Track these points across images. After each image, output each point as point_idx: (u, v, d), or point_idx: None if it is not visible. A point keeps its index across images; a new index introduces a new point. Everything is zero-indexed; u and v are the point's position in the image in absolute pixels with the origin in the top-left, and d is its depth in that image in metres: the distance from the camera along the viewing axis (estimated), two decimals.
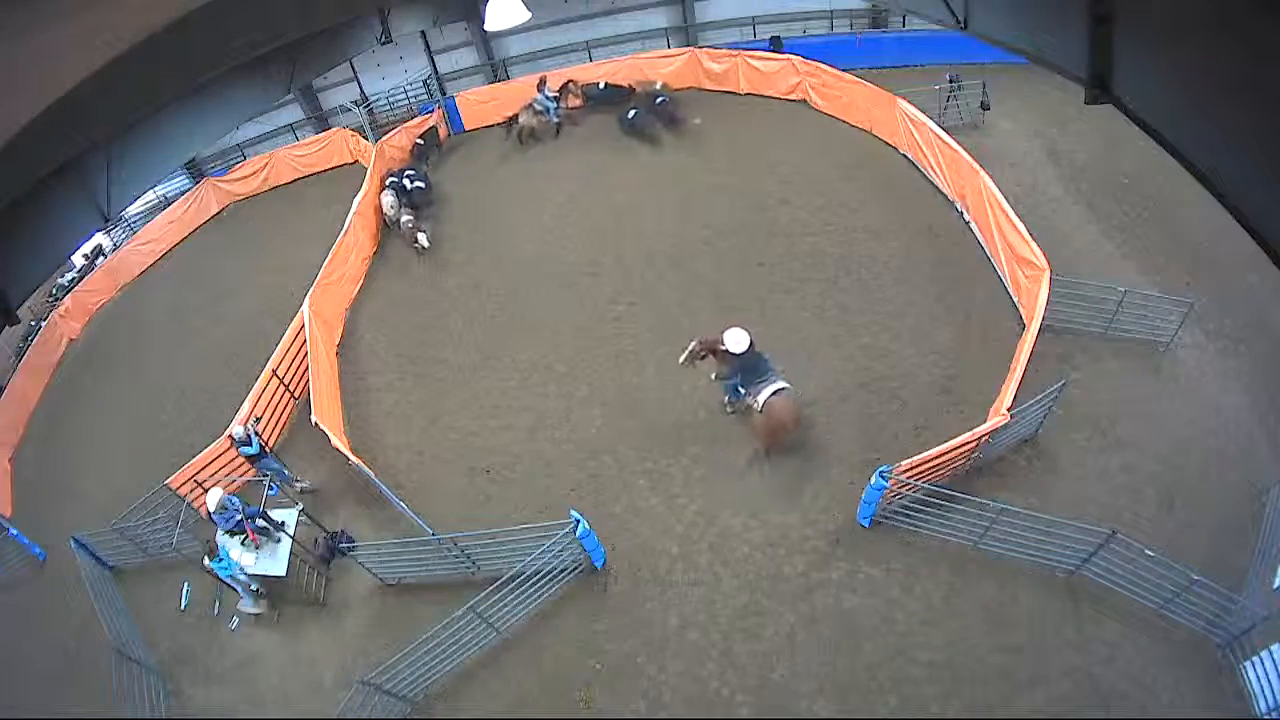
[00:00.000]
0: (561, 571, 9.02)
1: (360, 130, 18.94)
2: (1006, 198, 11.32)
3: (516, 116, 17.22)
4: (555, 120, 17.31)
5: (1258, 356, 10.05)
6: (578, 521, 8.57)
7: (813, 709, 7.89)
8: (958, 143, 12.74)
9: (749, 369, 9.54)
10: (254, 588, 9.64)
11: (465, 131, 18.77)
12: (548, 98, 17.15)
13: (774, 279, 12.54)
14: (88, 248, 17.87)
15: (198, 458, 10.63)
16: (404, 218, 14.93)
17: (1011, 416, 8.68)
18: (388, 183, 15.81)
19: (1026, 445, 9.62)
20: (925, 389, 10.52)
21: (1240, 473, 8.90)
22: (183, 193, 18.62)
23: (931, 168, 13.59)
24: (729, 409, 10.63)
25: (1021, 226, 10.76)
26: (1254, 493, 8.63)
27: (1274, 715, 6.79)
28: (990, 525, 8.32)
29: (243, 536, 9.49)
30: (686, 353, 9.63)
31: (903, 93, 14.11)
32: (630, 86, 17.17)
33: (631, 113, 16.37)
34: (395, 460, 11.33)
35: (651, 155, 15.94)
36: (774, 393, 9.32)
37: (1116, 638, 7.87)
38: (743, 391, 9.77)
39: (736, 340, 9.33)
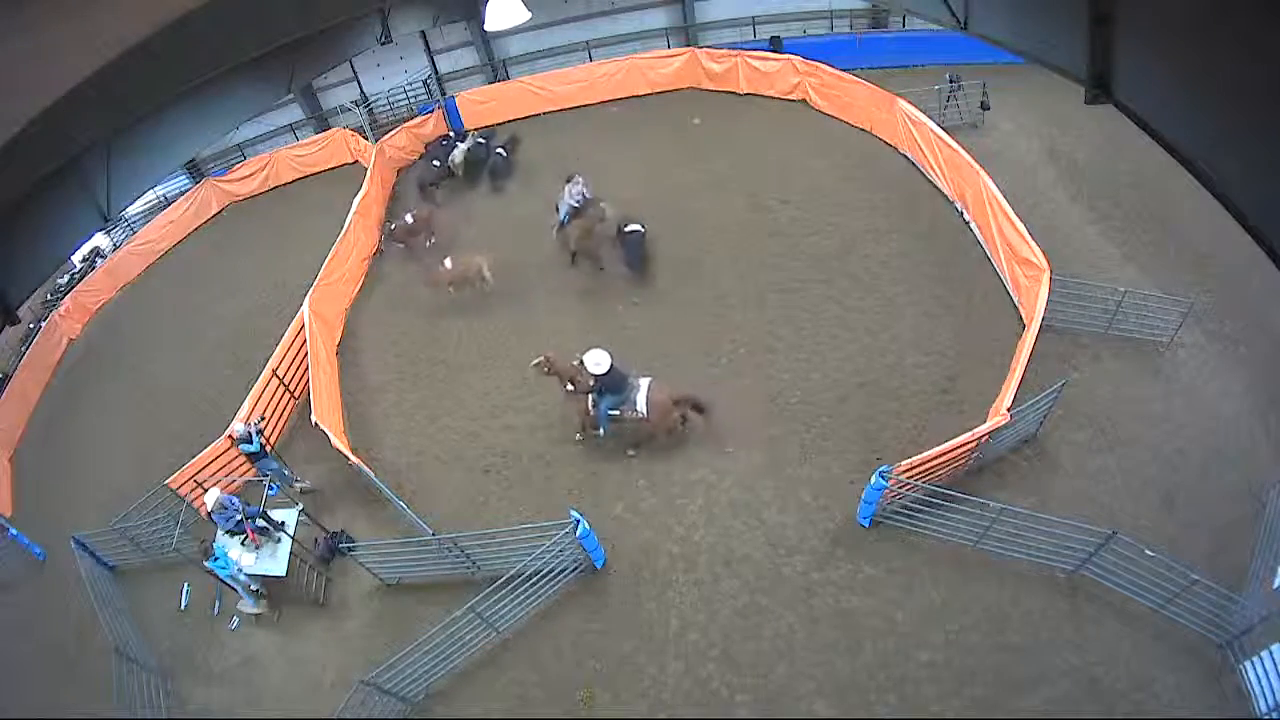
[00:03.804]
0: (561, 571, 9.02)
1: (360, 130, 18.95)
2: (1006, 198, 11.32)
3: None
4: (555, 230, 13.83)
5: (1258, 356, 10.05)
6: (578, 521, 8.57)
7: (813, 709, 7.89)
8: (958, 143, 12.75)
9: (614, 386, 9.72)
10: (254, 588, 9.64)
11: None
12: (570, 202, 13.59)
13: (774, 279, 12.54)
14: (87, 248, 17.87)
15: (198, 458, 10.62)
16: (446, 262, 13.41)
17: (1011, 416, 8.68)
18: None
19: (1026, 445, 9.61)
20: (925, 389, 10.51)
21: (1240, 473, 8.90)
22: (183, 193, 18.61)
23: (931, 168, 13.60)
24: (579, 437, 10.66)
25: (1021, 226, 10.77)
26: (1254, 493, 8.63)
27: (1274, 715, 6.78)
28: (990, 525, 8.32)
29: (243, 536, 9.49)
30: (537, 361, 10.00)
31: (903, 93, 14.11)
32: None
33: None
34: (395, 460, 11.33)
35: (652, 156, 15.94)
36: (647, 391, 9.65)
37: (1116, 638, 7.87)
38: (614, 414, 9.96)
39: (597, 361, 9.48)
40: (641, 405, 9.71)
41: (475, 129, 17.94)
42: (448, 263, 13.30)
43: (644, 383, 9.79)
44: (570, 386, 10.05)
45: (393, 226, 15.05)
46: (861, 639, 8.26)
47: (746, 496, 9.75)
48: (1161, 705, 7.37)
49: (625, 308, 12.84)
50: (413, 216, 14.69)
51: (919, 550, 8.86)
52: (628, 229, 12.85)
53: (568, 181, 13.66)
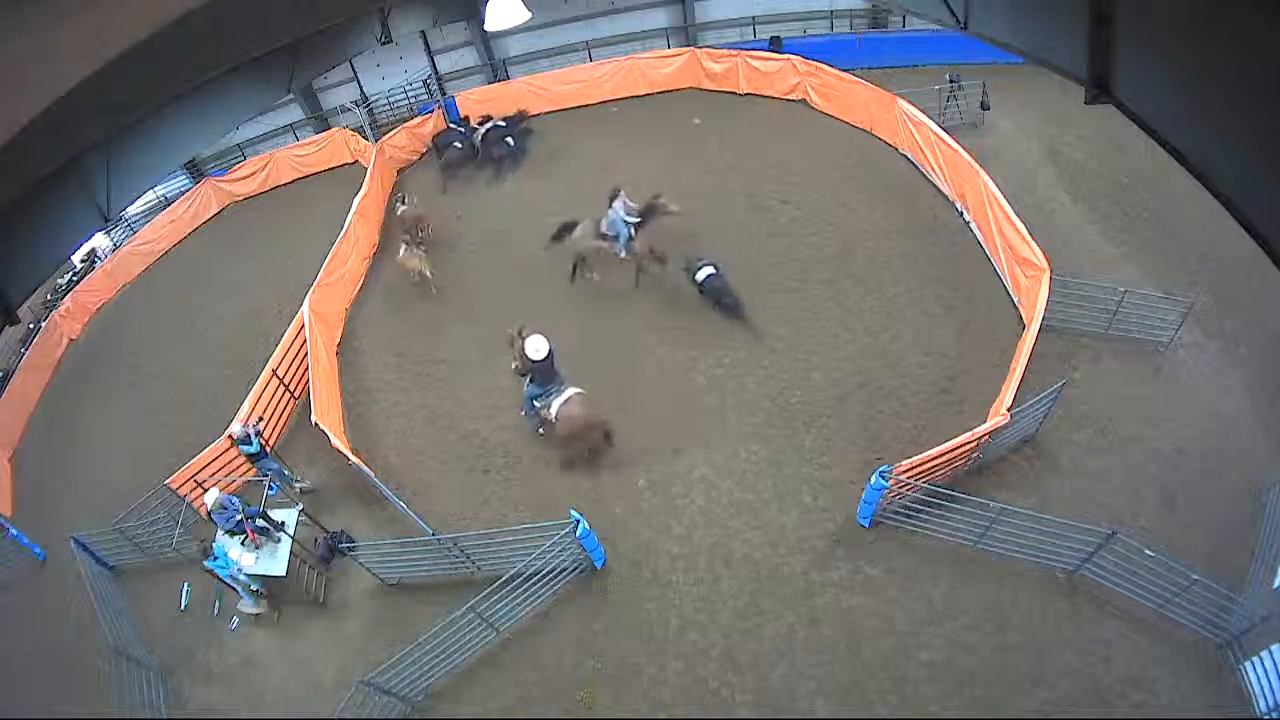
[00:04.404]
0: (561, 571, 9.02)
1: (360, 130, 18.94)
2: (1006, 198, 11.32)
3: (569, 227, 12.78)
4: (622, 253, 12.56)
5: (1257, 356, 10.05)
6: (578, 521, 8.57)
7: (813, 709, 7.90)
8: (958, 143, 12.74)
9: (544, 376, 10.03)
10: (254, 588, 9.64)
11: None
12: (624, 218, 12.32)
13: (774, 279, 12.54)
14: (87, 248, 17.86)
15: (198, 458, 10.63)
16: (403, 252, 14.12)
17: (1011, 416, 8.68)
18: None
19: (1026, 445, 9.62)
20: (925, 389, 10.51)
21: (1240, 473, 8.90)
22: (183, 193, 18.60)
23: (931, 168, 13.59)
24: (529, 425, 11.04)
25: (1021, 226, 10.77)
26: (1254, 493, 8.64)
27: (1274, 715, 6.79)
28: (990, 525, 8.32)
29: (242, 536, 9.49)
30: (511, 331, 10.28)
31: (903, 93, 14.11)
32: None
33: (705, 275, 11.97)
34: (395, 460, 11.33)
35: (653, 157, 15.93)
36: (565, 400, 9.88)
37: (1116, 638, 7.87)
38: (537, 405, 10.27)
39: (536, 347, 9.78)
40: (554, 410, 9.92)
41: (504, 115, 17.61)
42: (401, 253, 13.82)
43: (569, 391, 9.95)
44: (516, 364, 10.40)
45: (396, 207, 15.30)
46: (861, 639, 8.27)
47: (747, 496, 9.75)
48: (1161, 705, 7.38)
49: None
50: (402, 215, 14.68)
51: (919, 550, 8.87)
52: (700, 276, 11.84)
53: (612, 199, 12.43)
